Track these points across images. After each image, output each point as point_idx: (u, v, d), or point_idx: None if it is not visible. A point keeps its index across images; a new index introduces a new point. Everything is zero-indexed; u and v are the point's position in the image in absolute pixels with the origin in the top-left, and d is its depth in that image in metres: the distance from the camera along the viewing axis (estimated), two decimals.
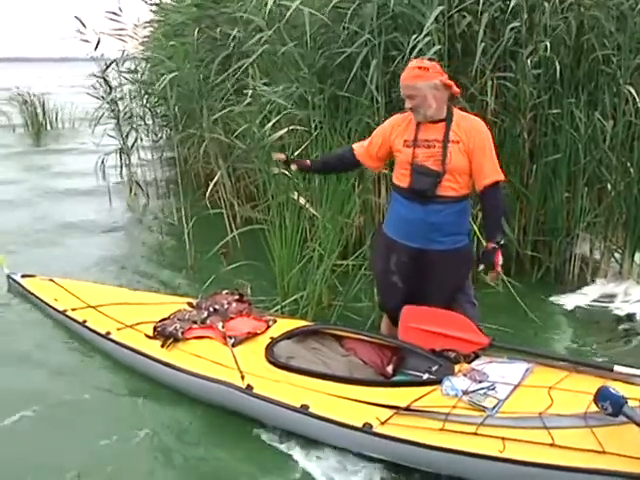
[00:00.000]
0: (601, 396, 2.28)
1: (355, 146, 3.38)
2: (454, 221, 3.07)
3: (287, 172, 4.33)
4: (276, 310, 3.99)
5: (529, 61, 4.20)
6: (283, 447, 2.84)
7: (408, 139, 3.07)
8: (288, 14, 4.40)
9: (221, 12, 5.66)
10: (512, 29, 4.20)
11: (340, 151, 3.66)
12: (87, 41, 7.00)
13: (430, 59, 3.54)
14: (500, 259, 2.99)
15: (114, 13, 7.11)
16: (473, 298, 3.29)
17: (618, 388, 2.32)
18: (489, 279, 3.28)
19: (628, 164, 4.45)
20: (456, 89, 3.06)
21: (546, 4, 4.14)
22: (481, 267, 3.04)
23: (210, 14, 5.91)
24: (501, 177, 3.01)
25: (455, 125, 2.99)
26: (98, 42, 7.05)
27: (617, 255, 4.77)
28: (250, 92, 4.72)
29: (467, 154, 2.96)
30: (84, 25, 6.91)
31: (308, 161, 3.58)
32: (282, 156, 3.54)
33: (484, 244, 3.16)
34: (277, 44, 4.73)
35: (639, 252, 4.64)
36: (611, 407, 2.24)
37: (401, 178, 3.11)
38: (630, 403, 2.25)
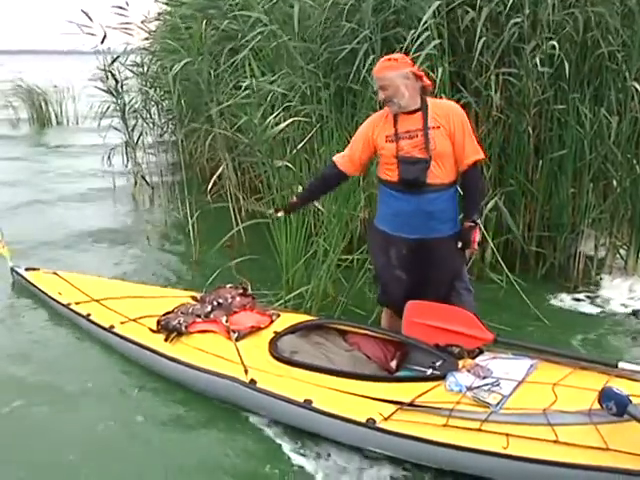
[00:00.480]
0: (605, 396, 2.26)
1: (335, 158, 3.38)
2: (448, 207, 3.11)
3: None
4: (280, 304, 3.98)
5: (537, 58, 4.16)
6: (285, 442, 2.84)
7: (389, 134, 3.11)
8: None
9: (227, 3, 5.66)
10: (515, 24, 4.18)
11: (322, 171, 3.68)
12: (93, 34, 6.97)
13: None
14: (478, 236, 3.13)
15: (121, 7, 7.09)
16: (469, 285, 3.33)
17: (622, 386, 2.31)
18: (467, 255, 3.34)
19: (634, 160, 4.43)
20: (427, 81, 3.11)
21: None
22: (460, 245, 3.13)
23: (217, 5, 5.90)
24: (482, 156, 3.12)
25: (432, 112, 3.05)
26: (105, 36, 7.02)
27: (622, 251, 4.76)
28: (247, 83, 4.70)
29: (450, 137, 3.03)
30: (90, 19, 6.87)
31: (294, 197, 3.61)
32: (270, 211, 3.74)
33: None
34: (274, 37, 4.72)
35: None
36: (615, 407, 2.23)
37: (389, 173, 3.13)
38: (634, 400, 2.24)
